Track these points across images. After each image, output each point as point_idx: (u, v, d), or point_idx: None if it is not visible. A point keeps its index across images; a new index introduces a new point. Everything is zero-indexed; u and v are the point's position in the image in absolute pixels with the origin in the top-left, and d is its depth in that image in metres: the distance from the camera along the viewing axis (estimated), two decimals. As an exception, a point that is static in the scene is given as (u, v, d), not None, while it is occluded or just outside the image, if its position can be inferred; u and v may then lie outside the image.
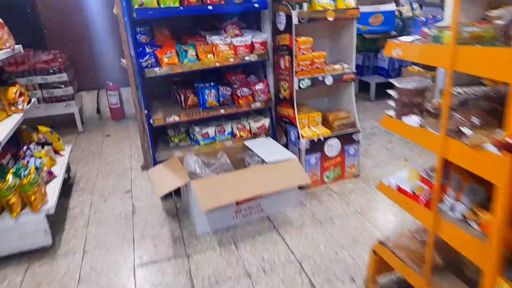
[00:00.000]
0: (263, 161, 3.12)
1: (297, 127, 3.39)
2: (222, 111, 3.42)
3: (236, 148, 3.46)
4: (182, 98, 3.55)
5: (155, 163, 3.37)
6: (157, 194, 3.20)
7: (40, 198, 2.73)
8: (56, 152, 3.70)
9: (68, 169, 3.97)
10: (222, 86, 3.56)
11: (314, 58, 3.29)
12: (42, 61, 5.29)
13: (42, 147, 3.54)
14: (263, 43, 3.36)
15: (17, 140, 3.55)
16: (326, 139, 3.41)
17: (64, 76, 5.36)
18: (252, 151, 3.30)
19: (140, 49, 3.16)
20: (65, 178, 3.90)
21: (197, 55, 3.24)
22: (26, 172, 2.78)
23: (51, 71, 5.33)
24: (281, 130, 3.70)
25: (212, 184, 2.84)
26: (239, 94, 3.50)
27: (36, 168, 3.00)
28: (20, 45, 3.55)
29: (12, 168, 2.78)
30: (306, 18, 3.14)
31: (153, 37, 3.37)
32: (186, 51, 3.19)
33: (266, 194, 2.92)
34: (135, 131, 5.10)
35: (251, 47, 3.35)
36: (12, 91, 3.17)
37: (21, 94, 3.30)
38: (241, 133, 3.59)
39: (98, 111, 6.15)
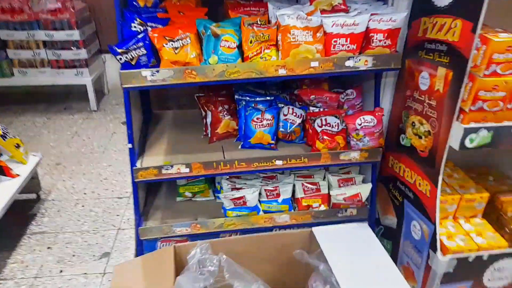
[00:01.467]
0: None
1: (431, 220, 1.57)
2: (280, 162, 1.69)
3: (294, 239, 1.74)
4: (208, 120, 1.87)
5: (139, 244, 1.78)
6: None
7: None
8: (5, 172, 2.25)
9: (36, 187, 2.57)
10: (288, 105, 1.81)
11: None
12: (48, 10, 3.82)
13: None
14: (392, 33, 1.50)
15: None
16: (494, 257, 1.57)
17: (75, 34, 3.88)
18: (325, 257, 1.57)
19: (124, 22, 1.48)
20: (35, 198, 2.53)
21: (240, 47, 1.48)
22: None
23: (58, 25, 3.86)
24: (387, 196, 1.91)
25: None
26: (317, 128, 1.74)
27: None
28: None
29: None
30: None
31: (161, -3, 1.66)
32: (218, 37, 1.44)
33: None
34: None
35: (364, 40, 1.51)
36: None
37: None
38: (310, 201, 1.85)
39: (123, 82, 4.66)
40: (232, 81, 1.47)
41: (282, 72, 1.48)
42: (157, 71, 1.41)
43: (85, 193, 2.69)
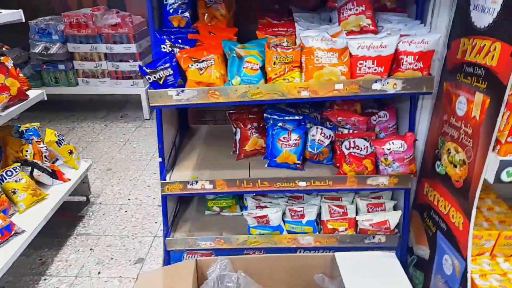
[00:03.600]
0: None
1: (462, 256, 1.44)
2: (303, 183, 1.66)
3: (315, 262, 1.70)
4: (237, 137, 1.89)
5: (167, 254, 1.85)
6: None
7: None
8: (58, 176, 2.46)
9: (86, 191, 2.77)
10: (317, 125, 1.79)
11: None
12: (109, 25, 4.13)
13: (32, 169, 2.33)
14: (424, 55, 1.42)
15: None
16: (536, 304, 1.40)
17: (132, 48, 4.15)
18: (344, 286, 1.51)
19: (155, 42, 1.57)
20: (84, 201, 2.75)
21: (263, 68, 1.49)
22: None
23: (118, 39, 4.15)
24: (421, 225, 1.79)
25: None
26: (345, 151, 1.69)
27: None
28: (19, 11, 2.30)
29: None
30: None
31: (195, 17, 1.72)
32: (241, 58, 1.47)
33: None
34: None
35: (393, 62, 1.44)
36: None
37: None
38: (336, 224, 1.80)
39: (175, 92, 4.87)
40: (254, 102, 1.48)
41: (305, 94, 1.46)
42: (182, 91, 1.47)
43: (129, 199, 2.85)
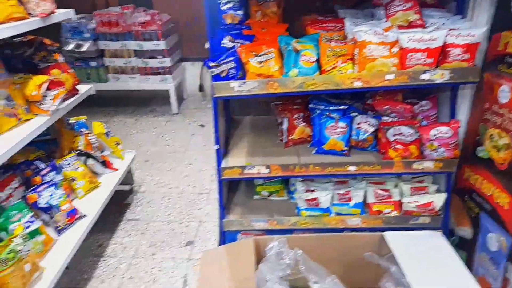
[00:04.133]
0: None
1: (509, 232, 1.56)
2: (352, 168, 1.79)
3: (364, 241, 1.83)
4: (284, 127, 2.02)
5: (222, 234, 2.00)
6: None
7: (19, 280, 1.63)
8: (108, 165, 2.62)
9: (130, 180, 2.93)
10: (361, 114, 1.91)
11: None
12: (139, 23, 4.27)
13: (86, 159, 2.50)
14: (470, 47, 1.53)
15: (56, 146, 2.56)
16: None
17: (161, 44, 4.29)
18: (396, 261, 1.64)
19: (215, 38, 1.70)
20: (128, 190, 2.90)
21: (318, 61, 1.62)
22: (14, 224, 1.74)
23: (147, 36, 4.30)
24: (461, 207, 1.90)
25: None
26: (390, 137, 1.81)
27: (49, 207, 1.94)
28: (71, 10, 2.45)
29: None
30: None
31: (247, 15, 1.85)
32: (298, 52, 1.60)
33: None
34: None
35: (440, 54, 1.56)
36: (34, 84, 2.08)
37: (55, 85, 2.20)
38: (382, 207, 1.92)
39: (201, 88, 5.02)
40: (310, 92, 1.61)
41: (357, 84, 1.58)
42: (244, 83, 1.60)
43: (170, 188, 3.01)
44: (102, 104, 4.79)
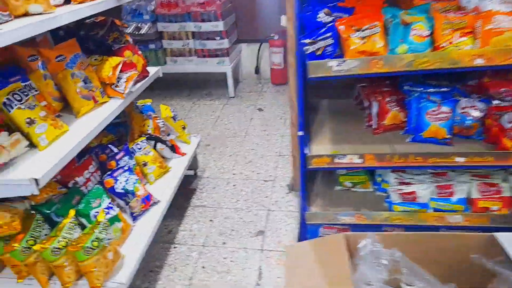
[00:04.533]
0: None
1: None
2: (461, 159, 1.57)
3: (470, 241, 1.61)
4: (374, 111, 1.83)
5: (303, 227, 1.86)
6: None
7: (103, 269, 1.60)
8: (176, 150, 2.56)
9: (194, 165, 2.87)
10: (466, 98, 1.67)
11: None
12: (198, 4, 4.17)
13: (155, 143, 2.44)
14: None
15: (126, 130, 2.53)
16: None
17: (219, 25, 4.17)
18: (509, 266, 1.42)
19: (308, 12, 1.52)
20: (192, 175, 2.85)
21: (432, 35, 1.40)
22: (95, 210, 1.70)
23: (206, 17, 4.19)
24: None
25: None
26: (505, 124, 1.57)
27: (125, 193, 1.89)
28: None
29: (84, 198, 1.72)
30: None
31: (341, -14, 1.66)
32: (408, 25, 1.39)
33: None
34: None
35: None
36: (110, 66, 2.02)
37: (127, 67, 2.14)
38: (488, 203, 1.69)
39: (257, 70, 4.87)
40: (420, 72, 1.41)
41: (478, 62, 1.35)
42: (343, 61, 1.42)
43: (234, 173, 2.92)
44: (158, 87, 4.78)
